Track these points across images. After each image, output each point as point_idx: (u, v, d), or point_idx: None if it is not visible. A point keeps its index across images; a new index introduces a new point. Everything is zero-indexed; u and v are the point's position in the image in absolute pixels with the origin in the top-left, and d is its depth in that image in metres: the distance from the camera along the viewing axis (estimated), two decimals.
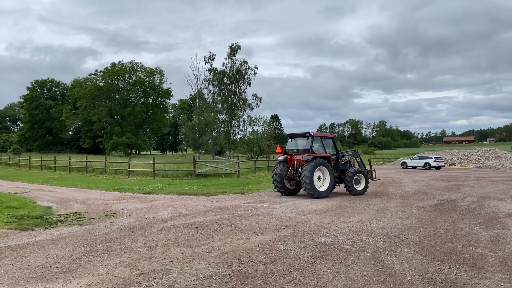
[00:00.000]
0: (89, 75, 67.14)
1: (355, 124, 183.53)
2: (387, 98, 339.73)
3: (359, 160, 15.78)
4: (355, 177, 14.42)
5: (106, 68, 65.14)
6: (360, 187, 14.45)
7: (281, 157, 14.46)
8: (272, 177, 14.68)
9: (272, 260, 5.55)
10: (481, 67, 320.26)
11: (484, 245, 6.50)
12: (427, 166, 38.08)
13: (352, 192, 14.20)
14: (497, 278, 4.84)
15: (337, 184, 14.62)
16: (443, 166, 39.21)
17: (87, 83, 65.49)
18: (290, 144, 15.03)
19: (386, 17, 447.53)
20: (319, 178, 13.43)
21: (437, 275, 4.94)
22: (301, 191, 14.37)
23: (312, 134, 14.11)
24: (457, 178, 24.09)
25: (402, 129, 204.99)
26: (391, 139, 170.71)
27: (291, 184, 14.39)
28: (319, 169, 13.38)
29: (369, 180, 15.24)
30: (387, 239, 6.90)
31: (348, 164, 15.30)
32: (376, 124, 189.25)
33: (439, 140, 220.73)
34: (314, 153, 13.73)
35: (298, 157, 13.88)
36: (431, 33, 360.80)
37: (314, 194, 13.01)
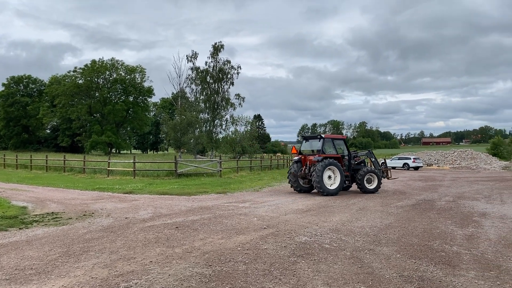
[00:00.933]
0: (68, 72, 65.68)
1: (336, 125, 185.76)
2: (368, 99, 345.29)
3: (373, 159, 16.46)
4: (367, 176, 15.11)
5: (85, 65, 63.78)
6: (372, 186, 15.13)
7: (296, 157, 15.40)
8: (287, 176, 15.45)
9: (253, 260, 5.55)
10: (458, 71, 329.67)
11: (459, 243, 6.68)
12: (406, 167, 38.88)
13: (364, 190, 14.91)
14: (471, 275, 4.98)
15: (348, 183, 15.44)
16: (421, 166, 40.12)
17: (66, 80, 63.95)
18: (305, 145, 16.05)
19: (367, 20, 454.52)
20: (329, 177, 14.23)
21: (414, 273, 5.05)
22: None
23: (323, 136, 15.11)
24: (434, 178, 24.69)
25: (382, 130, 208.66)
26: (372, 140, 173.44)
27: (305, 182, 15.08)
28: (329, 168, 14.17)
29: (385, 179, 16.35)
30: (367, 238, 7.00)
31: (362, 164, 16.05)
32: (357, 125, 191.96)
33: (418, 141, 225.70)
34: (325, 153, 14.52)
35: (311, 157, 14.68)
36: (410, 36, 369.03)
37: (324, 192, 13.78)
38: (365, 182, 14.96)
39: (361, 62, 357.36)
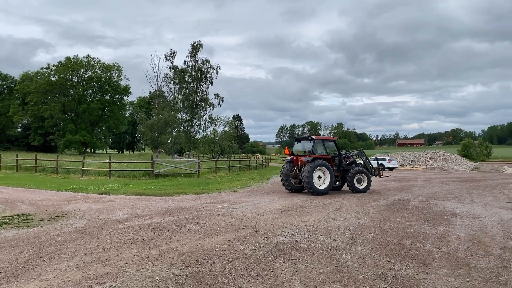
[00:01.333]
0: (41, 69, 63.40)
1: (314, 126, 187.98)
2: (345, 101, 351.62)
3: (364, 159, 16.76)
4: (357, 176, 15.48)
5: (59, 62, 61.79)
6: (362, 185, 15.49)
7: (288, 158, 15.85)
8: (280, 175, 15.92)
9: (231, 260, 5.53)
10: (431, 75, 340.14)
11: (431, 242, 6.89)
12: (381, 167, 39.69)
13: (353, 190, 15.29)
14: (442, 273, 5.14)
15: (339, 183, 15.97)
16: (396, 167, 41.09)
17: (38, 77, 61.76)
18: (297, 146, 16.41)
19: (345, 23, 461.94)
20: (319, 177, 14.59)
21: (388, 271, 5.17)
22: None
23: (314, 137, 15.43)
24: (408, 179, 25.33)
25: (358, 131, 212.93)
26: (348, 141, 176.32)
27: (296, 182, 15.48)
28: (319, 169, 14.55)
29: (378, 177, 17.36)
30: (343, 237, 7.11)
31: (353, 164, 16.33)
32: (334, 126, 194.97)
33: (393, 142, 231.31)
34: (315, 154, 14.88)
35: (302, 158, 15.09)
36: (387, 40, 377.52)
37: (314, 191, 14.14)
38: (355, 182, 15.35)
39: (339, 64, 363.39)
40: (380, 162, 40.52)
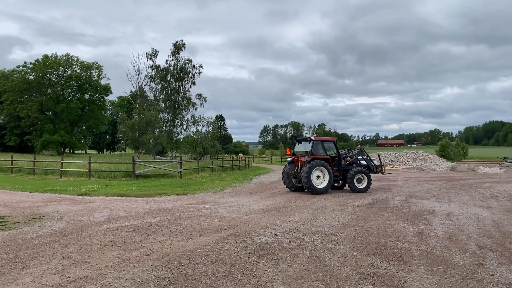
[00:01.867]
0: (17, 67, 61.48)
1: (297, 126, 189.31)
2: (327, 102, 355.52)
3: (365, 157, 17.17)
4: (357, 176, 15.76)
5: (37, 60, 60.13)
6: (362, 185, 15.78)
7: (289, 158, 16.41)
8: (282, 175, 16.47)
9: (213, 261, 5.51)
10: (410, 76, 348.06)
11: (411, 240, 7.03)
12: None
13: (354, 190, 15.56)
14: (421, 270, 5.26)
15: (342, 182, 16.31)
16: None
17: (15, 75, 59.91)
18: (298, 147, 16.82)
19: (327, 24, 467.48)
20: (318, 177, 15.03)
21: (369, 269, 5.25)
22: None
23: (313, 138, 16.00)
24: (388, 178, 25.77)
25: (340, 132, 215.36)
26: None
27: (296, 181, 15.85)
28: (317, 169, 14.97)
29: (381, 174, 18.13)
30: (325, 237, 7.18)
31: (354, 164, 16.65)
32: (316, 127, 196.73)
33: (373, 142, 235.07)
34: (314, 155, 15.34)
35: (302, 158, 15.52)
36: (367, 42, 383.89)
37: (313, 190, 14.61)
38: (355, 182, 15.64)
39: (321, 65, 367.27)
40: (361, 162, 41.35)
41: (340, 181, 16.21)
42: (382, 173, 17.82)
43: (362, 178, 15.91)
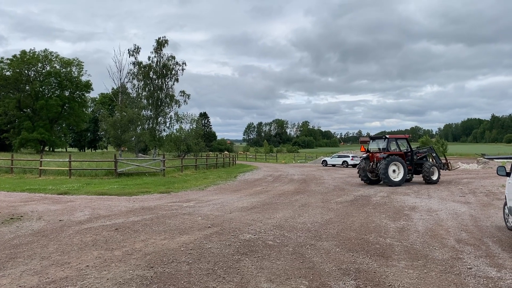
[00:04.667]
0: None
1: (281, 124, 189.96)
2: (310, 99, 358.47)
3: (434, 155, 19.34)
4: (431, 169, 17.90)
5: (14, 56, 58.30)
6: (435, 177, 17.92)
7: (364, 155, 18.37)
8: (357, 171, 18.38)
9: (197, 260, 5.48)
10: (392, 74, 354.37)
11: (392, 236, 7.16)
12: (345, 164, 40.79)
13: (428, 181, 17.59)
14: (402, 265, 5.36)
15: (411, 175, 18.29)
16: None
17: None
18: (372, 144, 18.76)
19: (310, 22, 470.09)
20: (394, 171, 16.93)
21: (351, 265, 5.32)
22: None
23: (387, 136, 17.96)
24: None
25: (323, 129, 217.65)
26: (313, 139, 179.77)
27: (372, 176, 17.79)
28: (394, 164, 16.86)
29: (447, 170, 20.59)
30: (308, 233, 7.24)
31: (424, 159, 18.87)
32: (300, 124, 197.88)
33: (356, 140, 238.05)
34: (389, 151, 17.32)
35: (377, 154, 17.43)
36: (350, 40, 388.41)
37: (390, 183, 16.53)
38: (429, 174, 17.61)
39: (304, 63, 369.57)
40: (343, 159, 41.90)
41: (411, 174, 18.10)
42: (450, 169, 20.14)
43: (433, 171, 17.89)
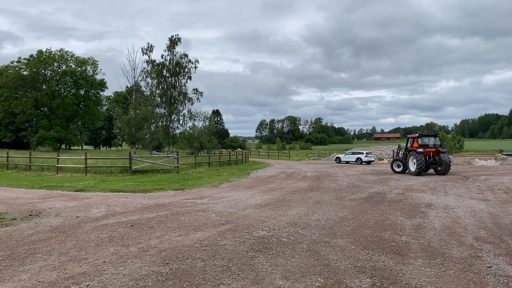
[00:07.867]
0: (11, 63, 60.97)
1: (293, 121, 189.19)
2: (323, 96, 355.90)
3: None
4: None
5: (31, 56, 59.59)
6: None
7: (420, 150, 21.19)
8: (418, 164, 20.81)
9: (211, 256, 5.50)
10: (406, 70, 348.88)
11: (408, 233, 7.05)
12: (359, 161, 40.40)
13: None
14: (419, 263, 5.27)
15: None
16: (373, 161, 41.88)
17: (9, 71, 59.43)
18: (423, 140, 22.37)
19: (322, 17, 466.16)
20: None
21: (367, 263, 5.26)
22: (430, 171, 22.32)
23: (438, 134, 22.98)
24: (385, 172, 25.82)
25: (336, 126, 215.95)
26: (326, 135, 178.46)
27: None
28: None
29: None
30: (322, 231, 7.19)
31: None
32: (313, 121, 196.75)
33: (370, 136, 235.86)
34: (442, 146, 22.01)
35: (431, 149, 21.56)
36: (362, 35, 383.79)
37: (447, 171, 21.05)
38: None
39: (316, 59, 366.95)
40: (357, 156, 41.51)
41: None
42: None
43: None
